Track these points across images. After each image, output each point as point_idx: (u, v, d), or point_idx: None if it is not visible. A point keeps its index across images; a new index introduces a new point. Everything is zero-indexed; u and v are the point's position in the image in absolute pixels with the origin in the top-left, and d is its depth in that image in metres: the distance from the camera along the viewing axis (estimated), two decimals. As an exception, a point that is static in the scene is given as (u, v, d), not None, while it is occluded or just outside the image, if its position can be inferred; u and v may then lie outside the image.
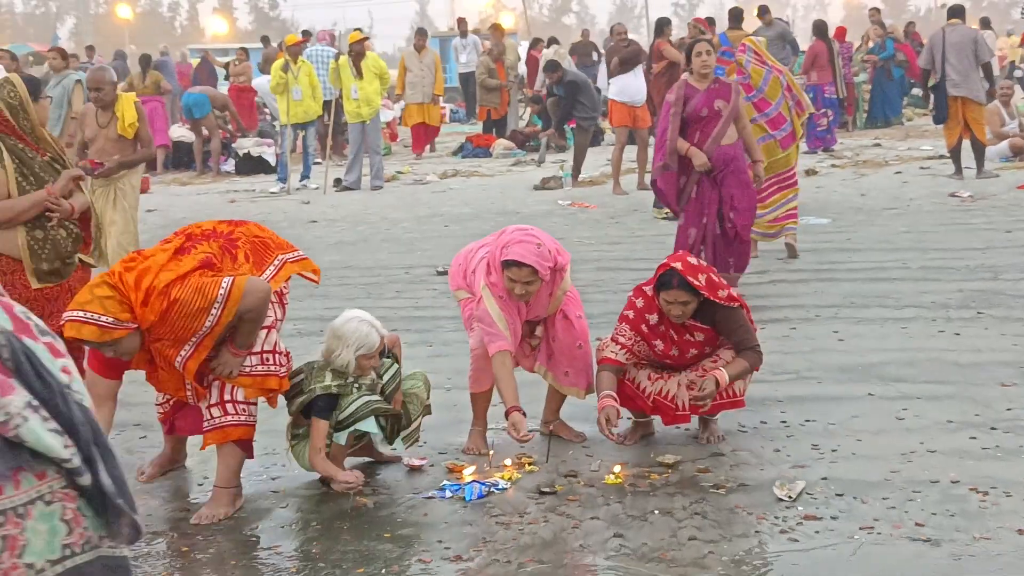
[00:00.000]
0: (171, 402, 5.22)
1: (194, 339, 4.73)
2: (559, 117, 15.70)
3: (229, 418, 4.90)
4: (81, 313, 4.55)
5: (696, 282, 5.22)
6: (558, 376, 5.66)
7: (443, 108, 22.20)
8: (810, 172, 15.23)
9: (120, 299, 4.59)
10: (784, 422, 5.80)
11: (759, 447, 5.44)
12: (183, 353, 4.77)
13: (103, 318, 4.55)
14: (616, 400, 5.34)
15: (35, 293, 5.34)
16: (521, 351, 5.64)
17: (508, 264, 5.23)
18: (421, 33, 20.01)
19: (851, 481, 4.96)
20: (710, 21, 17.98)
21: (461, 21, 24.24)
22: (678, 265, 5.26)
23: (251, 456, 5.11)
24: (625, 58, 14.36)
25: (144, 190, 16.31)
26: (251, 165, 18.49)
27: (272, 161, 17.38)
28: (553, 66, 15.21)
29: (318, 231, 12.76)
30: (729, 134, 8.36)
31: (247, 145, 18.91)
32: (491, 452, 5.43)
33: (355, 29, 15.94)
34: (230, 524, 4.85)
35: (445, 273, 9.88)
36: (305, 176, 16.52)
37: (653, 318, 5.38)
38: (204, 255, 4.79)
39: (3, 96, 5.38)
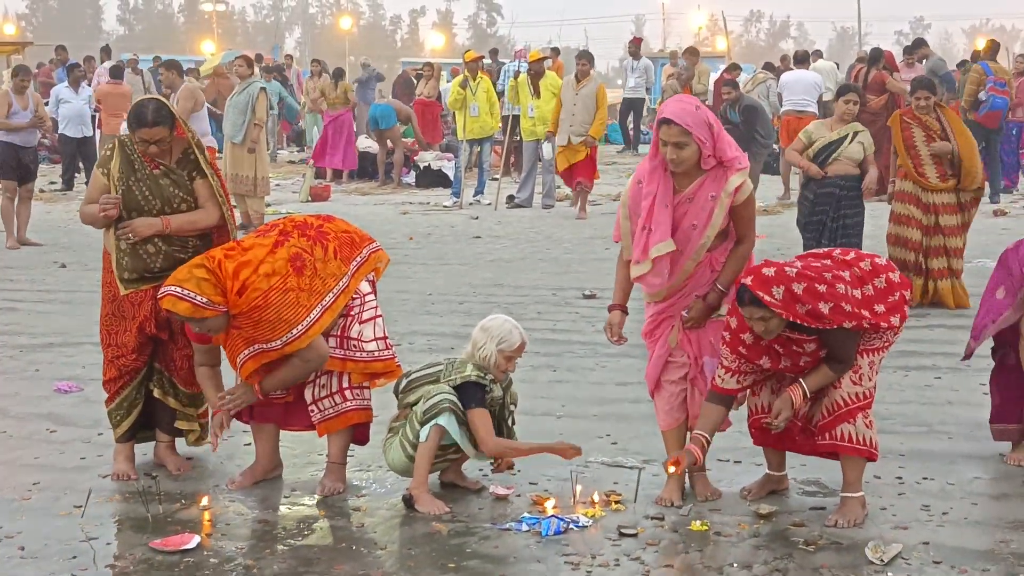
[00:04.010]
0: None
1: (259, 347, 5.08)
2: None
3: (348, 404, 5.26)
4: (178, 289, 4.93)
5: (768, 298, 4.72)
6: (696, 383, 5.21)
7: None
8: (999, 212, 14.50)
9: (216, 283, 4.97)
10: (899, 478, 5.44)
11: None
12: (248, 351, 5.11)
13: (198, 297, 4.92)
14: (702, 448, 4.99)
15: (123, 296, 5.43)
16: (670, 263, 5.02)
17: (662, 122, 4.96)
18: (583, 55, 15.13)
19: (953, 548, 4.60)
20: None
21: (635, 41, 23.01)
22: (748, 280, 4.78)
23: (366, 441, 5.45)
24: None
25: (325, 198, 16.81)
26: (431, 178, 18.71)
27: (451, 175, 17.53)
28: (732, 85, 14.85)
29: (480, 247, 12.77)
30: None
31: (428, 158, 19.14)
32: (577, 487, 5.24)
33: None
34: (295, 536, 4.81)
35: (592, 296, 9.75)
36: (479, 191, 16.62)
37: (748, 337, 4.89)
38: (295, 250, 5.13)
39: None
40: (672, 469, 4.96)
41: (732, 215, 5.02)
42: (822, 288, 4.75)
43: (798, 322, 4.75)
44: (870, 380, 4.97)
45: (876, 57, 16.08)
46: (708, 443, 5.03)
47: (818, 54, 22.27)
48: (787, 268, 4.81)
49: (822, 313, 4.74)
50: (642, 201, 5.01)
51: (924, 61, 17.67)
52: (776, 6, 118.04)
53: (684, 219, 5.00)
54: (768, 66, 21.30)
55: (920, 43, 18.22)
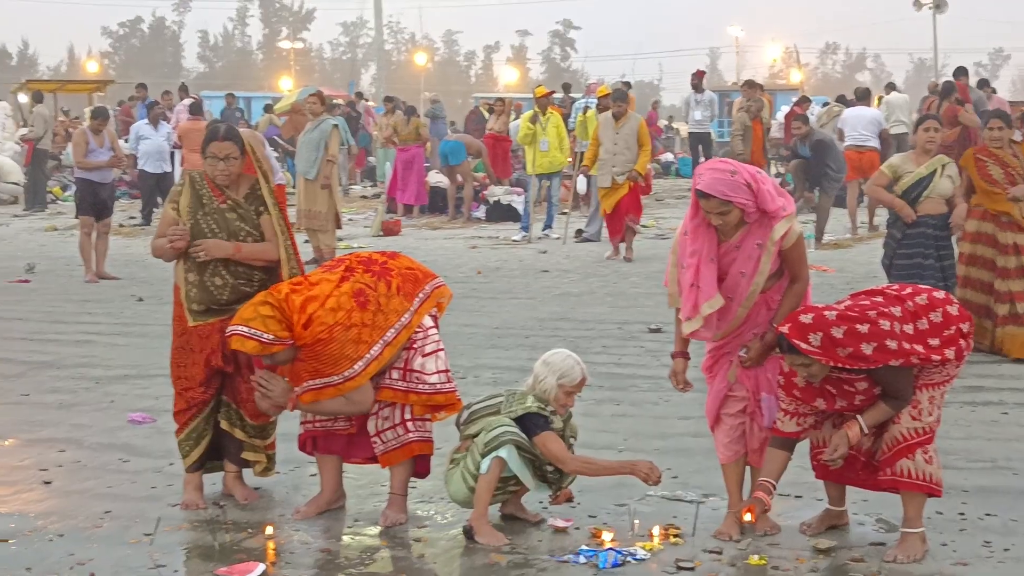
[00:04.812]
0: (319, 421, 5.50)
1: (322, 381, 5.19)
2: (809, 183, 14.95)
3: (412, 435, 5.35)
4: (245, 328, 5.07)
5: (804, 345, 4.74)
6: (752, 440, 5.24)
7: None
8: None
9: (281, 319, 5.10)
10: (962, 514, 5.40)
11: (924, 539, 5.07)
12: (309, 384, 5.23)
13: (264, 335, 5.06)
14: (769, 494, 5.00)
15: (191, 328, 5.58)
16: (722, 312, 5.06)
17: (699, 195, 4.99)
18: (618, 96, 14.35)
19: (1014, 586, 4.57)
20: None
21: (697, 74, 22.62)
22: (785, 328, 4.81)
23: (428, 473, 5.52)
24: None
25: (396, 232, 17.00)
26: (500, 212, 18.87)
27: (520, 209, 17.67)
28: (803, 119, 14.82)
29: (547, 281, 12.86)
30: None
31: (498, 193, 19.31)
32: (635, 520, 5.27)
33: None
34: (357, 566, 4.90)
35: (658, 331, 9.77)
36: (548, 226, 16.73)
37: (800, 380, 4.91)
38: (360, 286, 5.26)
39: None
40: (748, 517, 4.98)
41: (782, 258, 5.05)
42: (864, 328, 4.75)
43: (841, 365, 4.76)
44: (931, 415, 4.95)
45: (948, 90, 16.04)
46: (774, 488, 5.04)
47: (891, 86, 22.15)
48: (827, 312, 4.83)
49: (865, 354, 4.73)
50: (688, 258, 5.06)
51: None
52: (852, 38, 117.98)
53: (732, 267, 5.04)
54: (841, 99, 21.20)
55: (961, 72, 18.10)
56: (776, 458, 5.05)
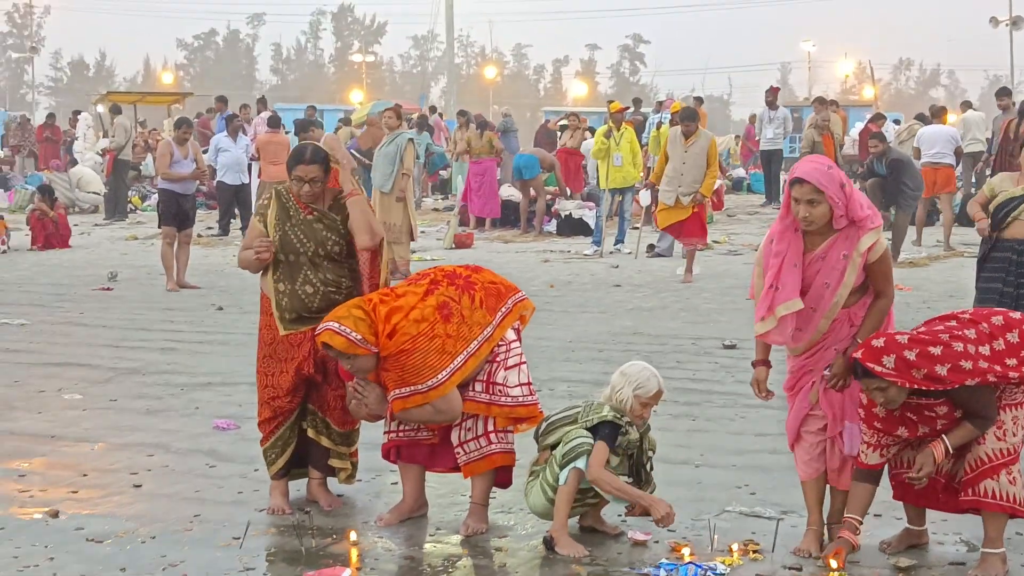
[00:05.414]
0: (403, 431, 5.59)
1: (408, 390, 5.30)
2: (886, 202, 14.74)
3: (494, 447, 5.46)
4: (337, 325, 5.24)
5: (879, 368, 4.75)
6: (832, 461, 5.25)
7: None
8: None
9: (370, 324, 5.24)
10: (1044, 536, 5.38)
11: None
12: (395, 393, 5.34)
13: (353, 334, 5.21)
14: (855, 531, 5.01)
15: (282, 338, 5.72)
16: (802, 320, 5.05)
17: (792, 183, 5.05)
18: (687, 116, 13.72)
19: (1097, 609, 4.55)
20: None
21: (772, 91, 22.60)
22: (859, 353, 4.83)
23: (509, 484, 5.61)
24: None
25: (468, 245, 17.16)
26: (572, 226, 18.95)
27: (592, 224, 17.74)
28: (879, 137, 14.75)
29: (619, 295, 12.91)
30: None
31: (569, 207, 19.40)
32: (715, 536, 5.32)
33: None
34: (440, 573, 5.01)
35: (732, 347, 9.79)
36: (619, 240, 16.78)
37: (880, 410, 4.93)
38: (444, 299, 5.38)
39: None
40: (834, 563, 4.92)
41: (867, 272, 5.06)
42: (936, 351, 4.77)
43: (917, 387, 4.77)
44: (1015, 435, 4.94)
45: (1024, 111, 15.83)
46: (860, 525, 5.05)
47: (967, 104, 21.94)
48: (898, 336, 4.85)
49: (940, 375, 4.75)
50: (772, 259, 5.09)
51: (1003, 112, 17.73)
52: (926, 54, 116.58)
53: (816, 278, 5.05)
54: (920, 116, 21.08)
55: (1004, 92, 18.32)
56: (861, 492, 5.06)
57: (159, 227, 13.98)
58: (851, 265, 5.01)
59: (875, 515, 5.62)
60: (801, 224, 5.04)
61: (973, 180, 20.44)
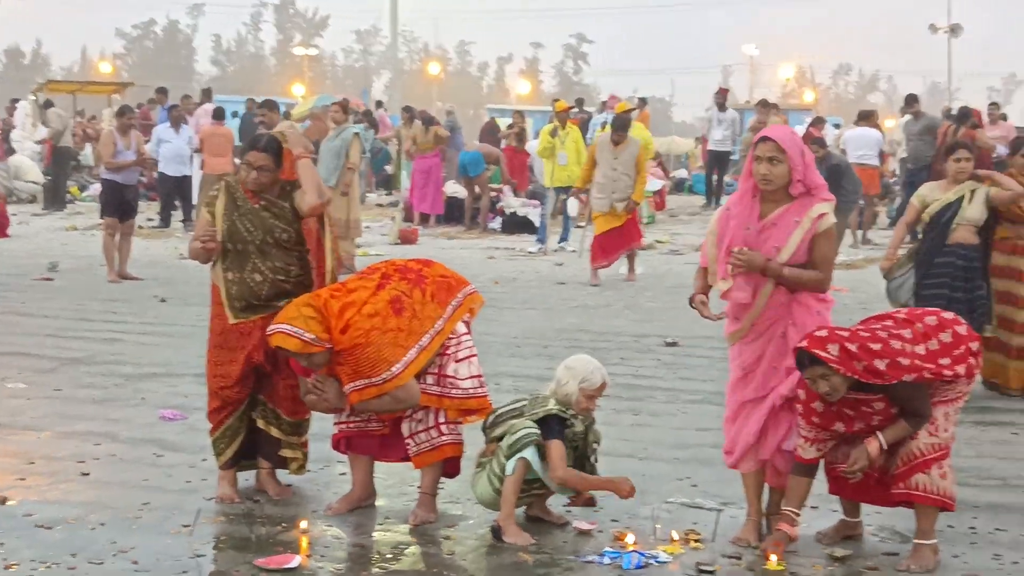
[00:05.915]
0: (352, 421, 5.68)
1: (364, 382, 5.37)
2: None
3: (445, 438, 5.57)
4: (288, 327, 5.30)
5: (824, 354, 4.89)
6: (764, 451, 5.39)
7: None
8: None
9: (321, 321, 5.31)
10: (972, 528, 5.58)
11: (937, 551, 5.25)
12: (351, 386, 5.41)
13: (306, 334, 5.28)
14: (793, 523, 5.14)
15: (232, 327, 5.78)
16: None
17: (757, 141, 5.27)
18: (619, 126, 13.73)
19: (1023, 597, 4.74)
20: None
21: (721, 92, 22.81)
22: (804, 343, 4.98)
23: (457, 474, 5.72)
24: None
25: (412, 241, 17.20)
26: (516, 224, 19.07)
27: (537, 222, 17.87)
28: (819, 143, 15.01)
29: (565, 293, 13.04)
30: None
31: (514, 204, 19.52)
32: (657, 526, 5.46)
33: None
34: (390, 561, 5.09)
35: (674, 344, 9.95)
36: (563, 238, 16.91)
37: (818, 405, 5.07)
38: (396, 293, 5.47)
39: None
40: (774, 558, 5.06)
41: (811, 246, 5.23)
42: (876, 347, 4.94)
43: (858, 378, 4.92)
44: (946, 431, 5.12)
45: (965, 115, 16.34)
46: (798, 517, 5.18)
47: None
48: (839, 331, 5.01)
49: (879, 369, 4.91)
50: (730, 223, 5.31)
51: (913, 117, 18.39)
52: (866, 59, 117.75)
53: (767, 243, 5.23)
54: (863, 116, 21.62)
55: (912, 99, 19.09)
56: (799, 485, 5.21)
57: (101, 217, 13.90)
58: (799, 229, 5.20)
59: (812, 507, 5.78)
60: (760, 183, 5.23)
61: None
